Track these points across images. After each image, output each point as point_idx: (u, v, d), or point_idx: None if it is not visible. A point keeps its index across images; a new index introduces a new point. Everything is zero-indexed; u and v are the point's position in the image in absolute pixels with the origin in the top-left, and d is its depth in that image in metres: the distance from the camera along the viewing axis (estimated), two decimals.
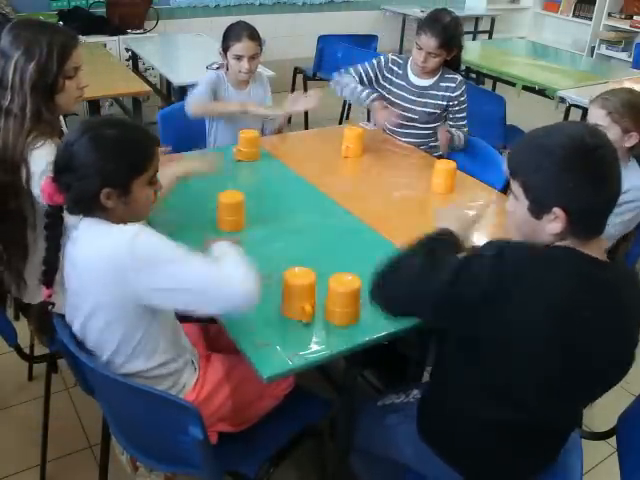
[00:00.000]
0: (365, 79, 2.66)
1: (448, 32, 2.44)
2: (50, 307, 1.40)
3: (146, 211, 1.40)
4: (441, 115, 2.63)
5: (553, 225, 1.17)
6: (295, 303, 1.46)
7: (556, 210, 1.15)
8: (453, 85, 2.57)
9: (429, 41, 2.44)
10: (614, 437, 1.56)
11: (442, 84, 2.58)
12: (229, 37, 2.53)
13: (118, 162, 1.27)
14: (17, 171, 1.60)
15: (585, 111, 3.71)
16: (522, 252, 1.18)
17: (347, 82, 2.61)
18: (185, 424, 1.26)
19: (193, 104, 2.49)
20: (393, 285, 1.30)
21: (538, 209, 1.18)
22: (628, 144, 1.97)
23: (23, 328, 1.77)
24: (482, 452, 1.35)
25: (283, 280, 1.47)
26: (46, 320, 1.39)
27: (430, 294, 1.22)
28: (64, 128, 1.87)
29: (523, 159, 1.20)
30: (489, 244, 1.22)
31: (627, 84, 3.80)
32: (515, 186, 1.22)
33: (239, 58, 2.51)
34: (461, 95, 2.58)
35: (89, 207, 1.30)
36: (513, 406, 1.24)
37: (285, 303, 1.48)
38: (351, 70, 2.66)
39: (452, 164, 2.23)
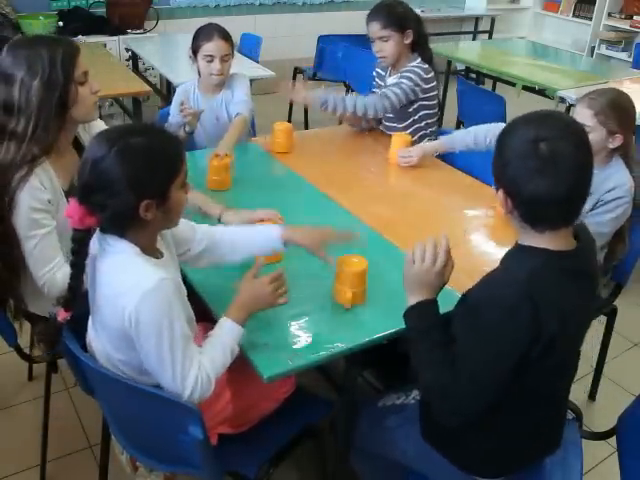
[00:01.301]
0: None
1: (388, 11, 2.45)
2: (64, 325, 1.37)
3: (179, 217, 1.35)
4: (410, 108, 2.56)
5: (504, 207, 1.24)
6: (339, 287, 1.53)
7: (499, 192, 1.23)
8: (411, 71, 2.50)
9: (372, 27, 2.47)
10: (614, 437, 1.56)
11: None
12: (199, 37, 2.42)
13: (153, 170, 1.22)
14: (3, 195, 1.54)
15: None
16: (521, 279, 1.20)
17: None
18: (185, 424, 1.26)
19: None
20: (456, 405, 1.27)
21: (496, 187, 1.25)
22: (612, 145, 1.99)
23: (23, 328, 1.77)
24: (485, 445, 1.35)
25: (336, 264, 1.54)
26: (56, 339, 1.37)
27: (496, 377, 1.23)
28: (83, 139, 1.82)
29: (497, 140, 1.25)
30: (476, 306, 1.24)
31: (627, 84, 3.81)
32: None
33: (210, 59, 2.40)
34: (404, 71, 2.50)
35: (125, 224, 1.24)
36: (510, 391, 1.25)
37: (334, 286, 1.56)
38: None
39: (407, 137, 2.44)
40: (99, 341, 1.35)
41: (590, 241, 1.33)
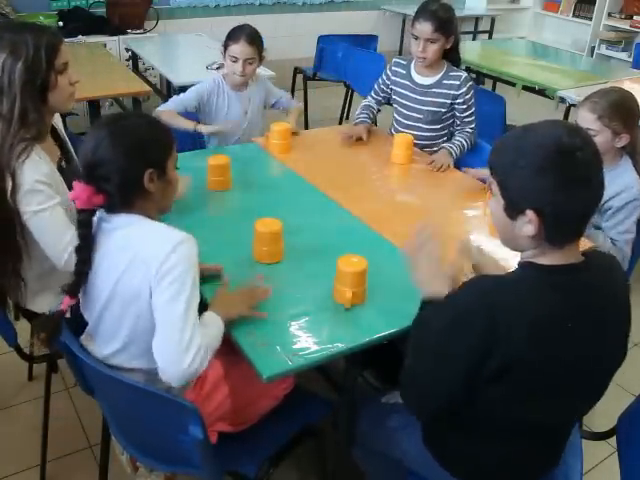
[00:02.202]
0: (381, 95, 2.73)
1: (441, 15, 2.43)
2: (66, 315, 1.38)
3: (174, 197, 1.45)
4: (446, 115, 2.59)
5: (527, 227, 1.14)
6: (339, 287, 1.54)
7: (529, 212, 1.12)
8: (457, 82, 2.52)
9: (424, 27, 2.43)
10: (614, 437, 1.56)
11: (446, 82, 2.54)
12: (229, 37, 2.56)
13: (153, 143, 1.33)
14: (2, 178, 1.56)
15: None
16: (491, 286, 1.17)
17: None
18: (185, 424, 1.26)
19: (163, 112, 2.49)
20: (417, 395, 1.28)
21: (512, 210, 1.16)
22: (619, 145, 1.98)
23: (23, 328, 1.78)
24: (484, 462, 1.34)
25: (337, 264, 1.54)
26: (58, 332, 1.38)
27: (447, 386, 1.21)
28: (61, 130, 1.86)
29: (501, 158, 1.18)
30: (455, 299, 1.21)
31: (627, 84, 3.80)
32: (494, 185, 1.20)
33: (235, 60, 2.54)
34: (466, 92, 2.53)
35: (132, 196, 1.31)
36: (512, 413, 1.23)
37: (334, 286, 1.56)
38: (369, 96, 2.78)
39: (409, 137, 2.46)
40: (97, 339, 1.36)
41: (603, 259, 1.26)
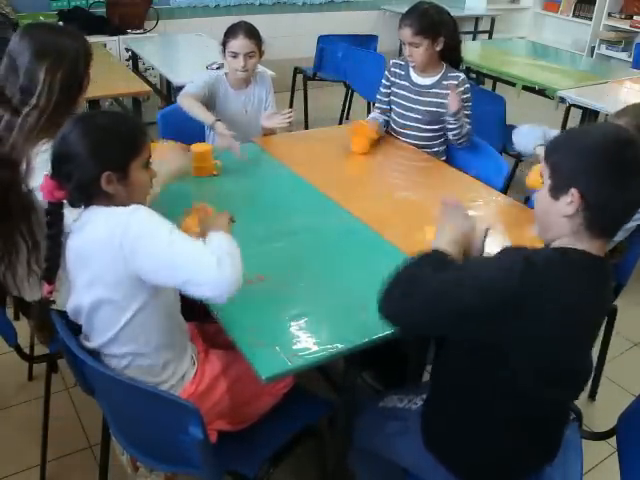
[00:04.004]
0: (385, 101, 2.72)
1: (423, 19, 2.42)
2: (51, 303, 1.41)
3: (144, 196, 1.44)
4: (445, 116, 2.58)
5: (567, 208, 1.17)
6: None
7: (573, 191, 1.15)
8: (455, 83, 2.51)
9: (404, 31, 2.45)
10: (614, 437, 1.56)
11: (445, 82, 2.53)
12: (227, 34, 2.57)
13: (114, 144, 1.32)
14: (18, 168, 1.61)
15: (585, 111, 3.72)
16: (544, 258, 1.18)
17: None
18: (185, 424, 1.26)
19: (186, 95, 2.50)
20: (408, 300, 1.24)
21: (558, 190, 1.19)
22: None
23: (23, 328, 1.78)
24: (484, 455, 1.35)
25: None
26: (46, 317, 1.40)
27: (455, 306, 1.18)
28: None
29: (559, 143, 1.22)
30: (505, 251, 1.22)
31: (627, 84, 3.81)
32: (545, 170, 1.23)
33: (235, 55, 2.54)
34: (464, 92, 2.53)
35: (91, 195, 1.32)
36: (516, 399, 1.25)
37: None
38: (375, 108, 2.79)
39: (366, 125, 2.48)
40: (98, 305, 1.35)
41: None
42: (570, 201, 1.16)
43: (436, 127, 2.61)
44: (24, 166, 1.61)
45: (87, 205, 1.34)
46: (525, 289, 1.13)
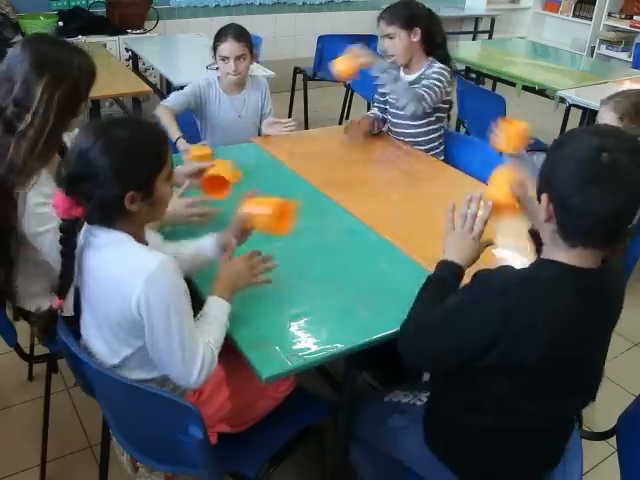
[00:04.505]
0: (381, 100, 2.73)
1: (397, 10, 2.47)
2: (59, 313, 1.38)
3: (165, 210, 1.38)
4: (431, 111, 2.54)
5: (542, 213, 1.18)
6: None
7: (543, 197, 1.16)
8: (431, 71, 2.50)
9: (380, 26, 2.50)
10: (614, 437, 1.56)
11: (426, 74, 2.52)
12: (216, 38, 2.54)
13: (138, 162, 1.23)
14: (10, 192, 1.53)
15: (585, 111, 3.72)
16: (517, 292, 1.17)
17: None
18: (185, 424, 1.26)
19: (162, 106, 2.49)
20: (420, 345, 1.32)
21: (538, 192, 1.20)
22: None
23: (23, 328, 1.77)
24: (484, 460, 1.35)
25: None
26: (52, 326, 1.38)
27: (455, 349, 1.24)
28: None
29: (552, 144, 1.22)
30: (482, 293, 1.22)
31: (627, 84, 3.80)
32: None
33: (225, 59, 2.52)
34: (433, 72, 2.48)
35: (112, 215, 1.25)
36: (509, 413, 1.25)
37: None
38: (372, 107, 2.79)
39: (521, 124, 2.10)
40: (100, 336, 1.35)
41: (615, 268, 1.28)
42: (542, 205, 1.17)
43: (423, 122, 2.58)
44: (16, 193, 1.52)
45: (107, 225, 1.27)
46: (510, 330, 1.14)
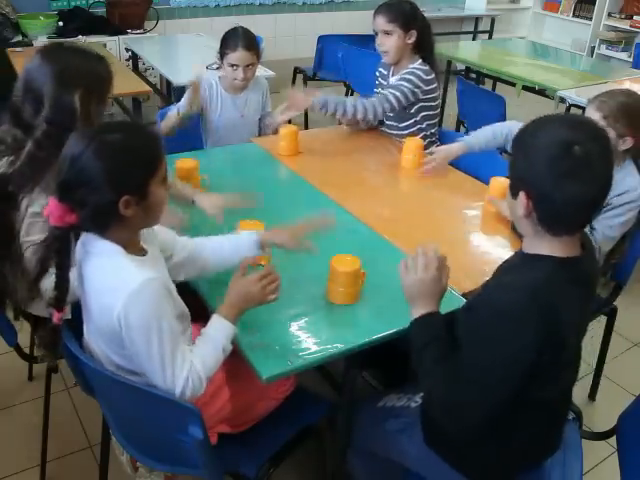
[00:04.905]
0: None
1: (398, 9, 2.46)
2: (61, 326, 1.35)
3: (161, 214, 1.33)
4: (408, 106, 2.54)
5: (521, 209, 1.20)
6: (330, 285, 1.54)
7: (521, 194, 1.19)
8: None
9: (379, 19, 2.48)
10: (614, 437, 1.56)
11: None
12: (226, 45, 2.51)
13: (132, 165, 1.21)
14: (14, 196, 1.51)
15: (585, 111, 3.72)
16: (522, 293, 1.18)
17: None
18: (185, 424, 1.26)
19: (168, 114, 2.51)
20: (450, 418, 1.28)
21: (513, 189, 1.22)
22: (622, 147, 1.97)
23: (23, 328, 1.77)
24: (488, 453, 1.35)
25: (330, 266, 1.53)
26: (57, 342, 1.35)
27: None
28: None
29: (515, 141, 1.24)
30: (490, 321, 1.21)
31: (627, 84, 3.80)
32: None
33: (234, 66, 2.52)
34: (405, 72, 2.49)
35: (106, 221, 1.23)
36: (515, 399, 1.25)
37: (327, 284, 1.56)
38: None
39: (419, 141, 2.38)
40: (96, 343, 1.35)
41: (592, 248, 1.33)
42: (520, 201, 1.19)
43: (408, 122, 2.59)
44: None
45: (102, 232, 1.25)
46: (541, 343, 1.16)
